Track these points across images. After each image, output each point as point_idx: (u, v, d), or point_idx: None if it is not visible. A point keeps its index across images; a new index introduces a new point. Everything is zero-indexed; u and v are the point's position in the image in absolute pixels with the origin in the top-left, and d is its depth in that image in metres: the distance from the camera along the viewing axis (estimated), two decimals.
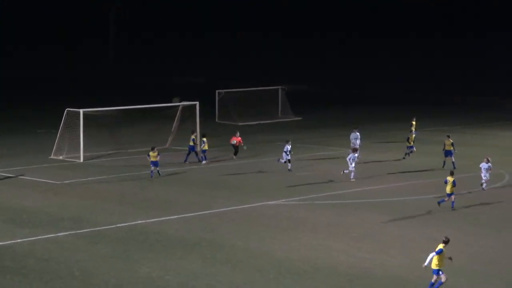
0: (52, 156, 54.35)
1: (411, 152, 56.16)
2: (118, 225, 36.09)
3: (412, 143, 57.30)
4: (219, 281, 27.87)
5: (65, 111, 56.19)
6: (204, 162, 52.81)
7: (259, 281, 27.98)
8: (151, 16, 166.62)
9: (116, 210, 39.34)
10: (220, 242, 33.40)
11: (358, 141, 56.07)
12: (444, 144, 52.32)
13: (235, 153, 54.65)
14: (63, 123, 55.51)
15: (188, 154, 53.16)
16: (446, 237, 26.82)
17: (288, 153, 49.65)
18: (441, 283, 25.97)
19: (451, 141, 52.15)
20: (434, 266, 25.93)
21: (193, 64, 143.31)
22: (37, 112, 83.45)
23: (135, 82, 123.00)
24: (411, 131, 61.60)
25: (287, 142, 50.40)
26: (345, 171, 47.40)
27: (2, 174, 48.50)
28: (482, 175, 44.71)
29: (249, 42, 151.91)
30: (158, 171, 47.56)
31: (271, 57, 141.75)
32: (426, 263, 26.26)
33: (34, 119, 76.91)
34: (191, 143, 52.94)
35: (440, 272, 25.83)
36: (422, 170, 51.37)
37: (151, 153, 47.50)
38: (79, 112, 54.53)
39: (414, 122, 63.73)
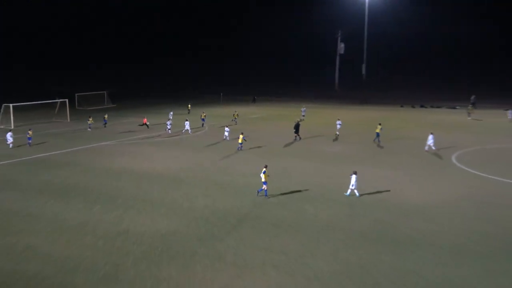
0: None
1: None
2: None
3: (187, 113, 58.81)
4: (71, 179, 28.52)
5: (2, 106, 53.55)
6: (89, 129, 49.12)
7: (94, 180, 28.56)
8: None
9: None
10: (76, 163, 33.31)
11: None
12: (201, 115, 51.43)
13: (146, 126, 49.51)
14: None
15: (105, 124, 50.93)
16: (265, 164, 25.18)
17: (169, 123, 45.56)
18: (262, 190, 24.49)
19: (205, 114, 51.49)
20: (263, 179, 24.20)
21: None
22: None
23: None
24: (188, 110, 63.39)
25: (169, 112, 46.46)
26: (190, 132, 44.78)
27: None
28: (226, 133, 40.55)
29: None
30: (29, 143, 40.51)
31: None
32: (262, 179, 24.25)
33: None
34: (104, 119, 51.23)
35: (265, 183, 24.16)
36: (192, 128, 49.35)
37: (29, 132, 41.43)
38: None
39: (189, 106, 66.35)
